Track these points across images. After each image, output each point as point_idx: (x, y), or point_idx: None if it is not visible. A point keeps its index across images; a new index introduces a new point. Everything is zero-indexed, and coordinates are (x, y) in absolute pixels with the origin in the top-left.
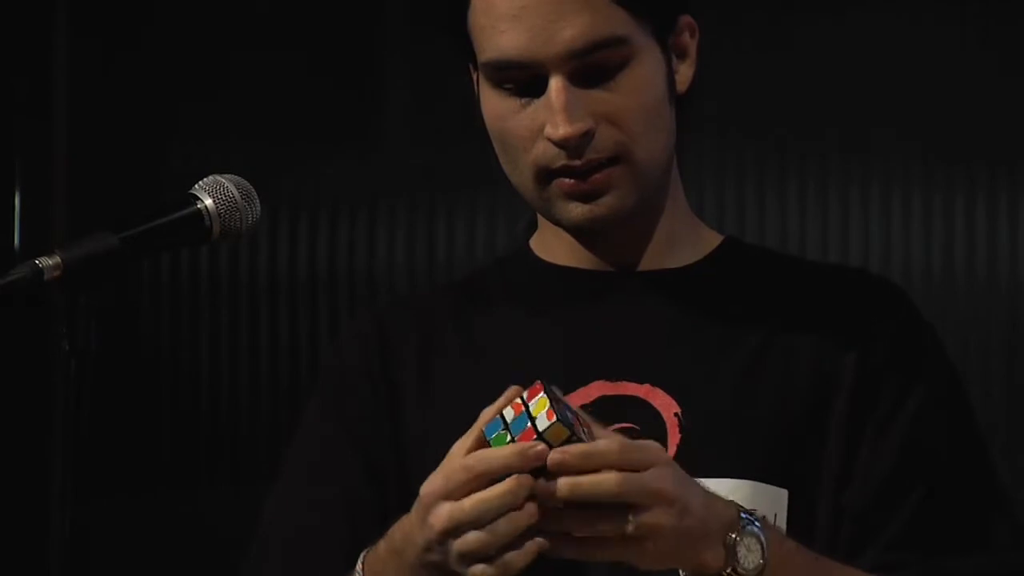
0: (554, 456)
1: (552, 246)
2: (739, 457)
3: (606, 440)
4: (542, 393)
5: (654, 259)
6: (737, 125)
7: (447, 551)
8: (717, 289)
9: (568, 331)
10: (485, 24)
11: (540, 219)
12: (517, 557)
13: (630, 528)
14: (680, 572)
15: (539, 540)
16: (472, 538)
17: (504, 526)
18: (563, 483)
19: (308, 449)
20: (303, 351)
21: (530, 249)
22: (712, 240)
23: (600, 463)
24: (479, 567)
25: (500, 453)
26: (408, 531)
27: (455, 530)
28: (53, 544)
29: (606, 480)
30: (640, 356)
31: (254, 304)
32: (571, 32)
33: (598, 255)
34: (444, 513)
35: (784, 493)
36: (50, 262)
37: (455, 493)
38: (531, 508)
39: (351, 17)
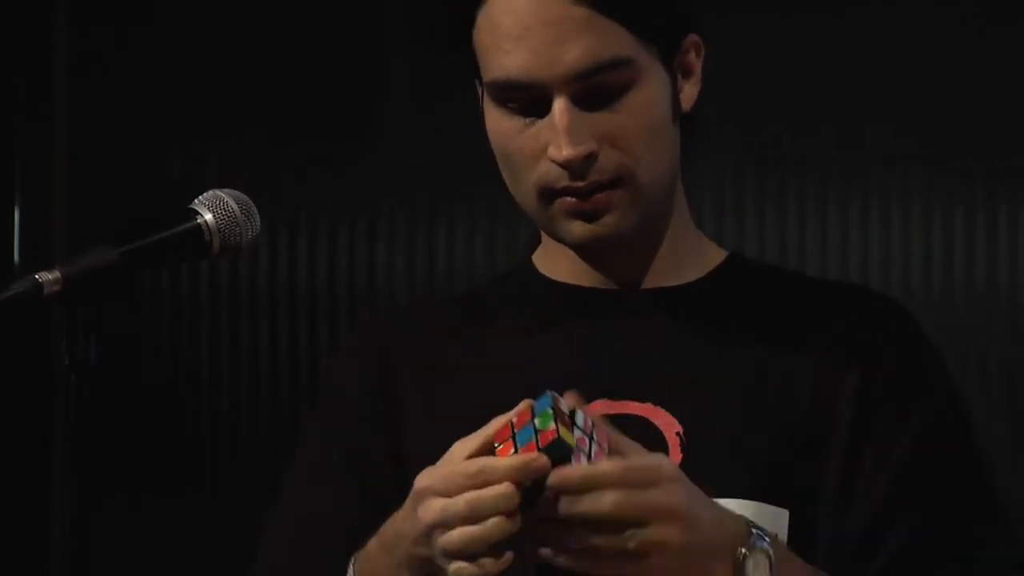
0: (553, 479)
1: (555, 262)
2: (741, 477)
3: (608, 463)
4: (549, 407)
5: (658, 277)
6: (734, 123)
7: (433, 545)
8: (720, 307)
9: (570, 349)
10: (490, 44)
11: (543, 235)
12: (495, 563)
13: (631, 545)
14: None
15: (544, 551)
16: (456, 535)
17: (492, 528)
18: (563, 502)
19: (306, 467)
20: (303, 358)
21: (532, 265)
22: (716, 256)
23: (601, 485)
24: (459, 563)
25: (503, 463)
26: (399, 525)
27: (443, 524)
28: (54, 546)
29: (603, 501)
30: (642, 375)
31: (254, 310)
32: (575, 54)
33: (601, 272)
34: (437, 507)
35: (785, 513)
36: (50, 277)
37: (450, 493)
38: (518, 516)
39: (351, 17)
